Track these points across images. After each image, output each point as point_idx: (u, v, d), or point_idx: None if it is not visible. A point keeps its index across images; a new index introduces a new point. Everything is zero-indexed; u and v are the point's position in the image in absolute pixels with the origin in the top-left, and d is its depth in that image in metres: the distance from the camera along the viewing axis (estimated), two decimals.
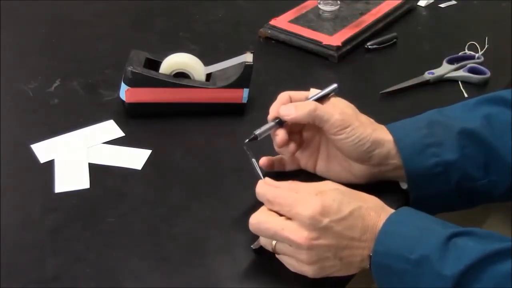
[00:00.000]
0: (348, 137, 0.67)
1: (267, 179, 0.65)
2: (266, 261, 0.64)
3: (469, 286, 0.53)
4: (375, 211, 0.60)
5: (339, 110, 0.68)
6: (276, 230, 0.60)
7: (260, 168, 0.70)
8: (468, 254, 0.54)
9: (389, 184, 0.72)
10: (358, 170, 0.70)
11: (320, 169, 0.74)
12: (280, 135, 0.70)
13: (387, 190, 0.70)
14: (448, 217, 0.61)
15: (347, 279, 0.63)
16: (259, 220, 0.61)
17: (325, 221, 0.58)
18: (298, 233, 0.58)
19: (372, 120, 0.71)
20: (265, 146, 0.73)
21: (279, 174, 0.74)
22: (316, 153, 0.74)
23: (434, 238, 0.56)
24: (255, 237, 0.64)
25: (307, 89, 0.73)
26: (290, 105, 0.70)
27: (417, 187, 0.69)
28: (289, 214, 0.60)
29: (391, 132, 0.69)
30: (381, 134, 0.69)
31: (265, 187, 0.63)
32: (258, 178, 0.66)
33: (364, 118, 0.70)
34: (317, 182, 0.63)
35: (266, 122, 0.70)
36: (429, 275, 0.55)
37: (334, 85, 0.71)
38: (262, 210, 0.63)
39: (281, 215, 0.61)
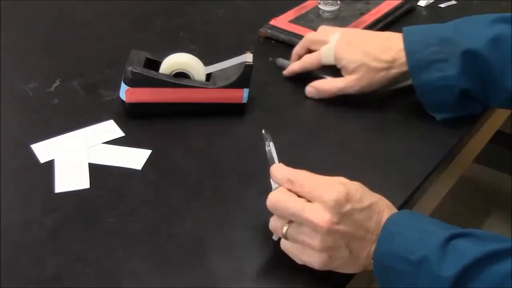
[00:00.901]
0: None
1: (281, 164, 0.64)
2: (266, 261, 0.64)
3: (467, 286, 0.53)
4: (388, 208, 0.61)
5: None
6: (296, 210, 0.58)
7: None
8: (466, 255, 0.54)
9: (391, 185, 0.72)
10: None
11: None
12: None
13: (388, 190, 0.70)
14: (448, 218, 0.61)
15: (347, 279, 0.63)
16: (278, 198, 0.60)
17: (348, 206, 0.58)
18: (320, 215, 0.57)
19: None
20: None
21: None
22: None
23: (434, 239, 0.56)
24: (256, 237, 0.64)
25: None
26: (312, 90, 0.87)
27: (422, 93, 0.79)
28: (310, 195, 0.59)
29: (405, 43, 0.79)
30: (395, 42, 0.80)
31: (285, 168, 0.63)
32: (272, 163, 0.65)
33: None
34: (330, 177, 0.62)
35: (266, 122, 0.70)
36: (428, 276, 0.55)
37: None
38: (281, 189, 0.61)
39: (300, 197, 0.60)
